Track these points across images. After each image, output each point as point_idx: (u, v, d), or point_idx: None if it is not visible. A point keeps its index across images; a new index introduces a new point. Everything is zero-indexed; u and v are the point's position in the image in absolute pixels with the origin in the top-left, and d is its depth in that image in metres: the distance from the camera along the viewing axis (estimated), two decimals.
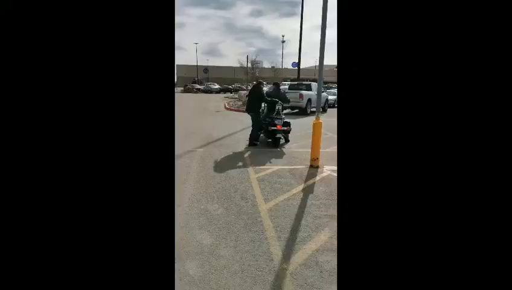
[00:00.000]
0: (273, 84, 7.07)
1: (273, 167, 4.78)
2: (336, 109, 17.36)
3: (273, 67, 47.94)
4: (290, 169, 4.66)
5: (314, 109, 14.67)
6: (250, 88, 7.01)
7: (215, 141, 6.82)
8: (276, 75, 38.54)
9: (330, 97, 17.15)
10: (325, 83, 26.67)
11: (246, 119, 11.24)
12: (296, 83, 14.81)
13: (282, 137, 6.21)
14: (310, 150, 5.92)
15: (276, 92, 7.04)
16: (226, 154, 5.51)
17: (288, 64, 50.79)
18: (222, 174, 4.32)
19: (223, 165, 4.77)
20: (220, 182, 3.96)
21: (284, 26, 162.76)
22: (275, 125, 6.00)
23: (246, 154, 5.59)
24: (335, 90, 20.77)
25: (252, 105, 6.34)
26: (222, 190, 3.66)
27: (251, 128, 6.60)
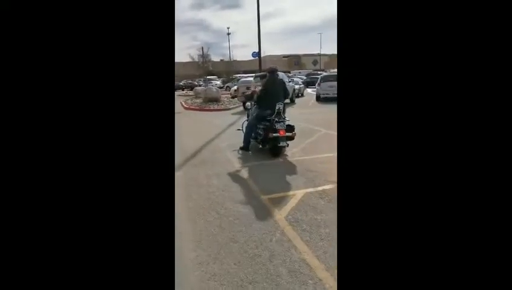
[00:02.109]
0: (268, 72, 5.00)
1: (294, 192, 3.35)
2: (303, 98, 16.46)
3: (222, 60, 46.12)
4: (320, 193, 3.28)
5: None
6: (266, 78, 5.00)
7: (193, 155, 5.16)
8: (230, 68, 36.79)
9: (296, 87, 16.22)
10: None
11: (215, 120, 9.68)
12: (261, 74, 13.48)
13: (286, 144, 4.73)
14: (321, 156, 4.63)
15: (275, 83, 4.96)
16: (218, 178, 3.94)
17: (236, 56, 49.10)
18: (231, 220, 2.77)
19: (224, 201, 3.22)
20: (235, 238, 2.43)
21: (228, 19, 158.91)
22: (277, 130, 4.48)
23: (245, 174, 4.07)
24: (297, 80, 19.98)
25: (274, 98, 4.68)
26: (248, 259, 2.14)
27: (245, 127, 5.13)
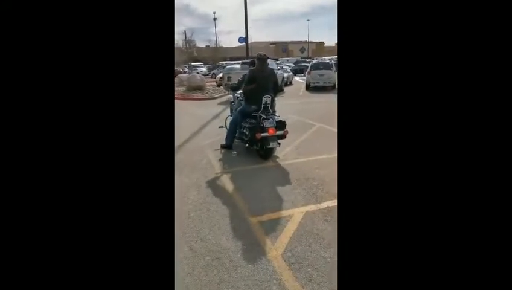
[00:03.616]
0: (257, 58, 4.06)
1: (291, 211, 2.64)
2: (292, 87, 15.70)
3: (207, 46, 44.53)
4: (324, 212, 2.59)
5: None
6: (253, 67, 4.10)
7: None
8: (216, 54, 35.47)
9: (285, 75, 15.42)
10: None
11: (199, 111, 8.83)
12: (249, 60, 12.60)
13: (278, 144, 3.98)
14: (318, 158, 3.92)
15: (265, 73, 4.05)
16: (196, 190, 3.18)
17: (222, 42, 47.46)
18: (208, 261, 2.03)
19: (201, 227, 2.47)
20: None
21: (213, 4, 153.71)
22: (266, 129, 3.69)
23: (229, 184, 3.33)
24: (286, 67, 19.20)
25: (261, 91, 3.87)
26: None
27: (229, 123, 4.39)
